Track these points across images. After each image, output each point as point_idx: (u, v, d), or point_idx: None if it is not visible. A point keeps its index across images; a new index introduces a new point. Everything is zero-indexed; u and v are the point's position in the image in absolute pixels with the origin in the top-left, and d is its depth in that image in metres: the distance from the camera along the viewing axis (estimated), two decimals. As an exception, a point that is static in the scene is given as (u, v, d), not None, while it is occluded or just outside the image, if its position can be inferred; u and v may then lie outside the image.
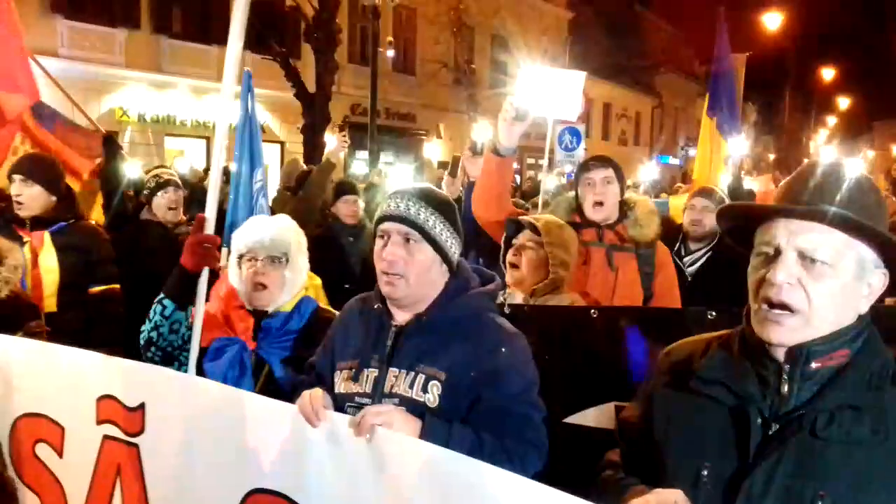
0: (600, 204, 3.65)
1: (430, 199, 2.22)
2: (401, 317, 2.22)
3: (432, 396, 2.08)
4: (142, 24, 17.89)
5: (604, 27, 38.42)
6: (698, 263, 4.64)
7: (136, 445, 2.40)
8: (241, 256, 2.74)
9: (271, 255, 2.70)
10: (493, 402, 2.07)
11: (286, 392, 2.44)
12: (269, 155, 20.74)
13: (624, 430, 1.88)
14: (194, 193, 7.00)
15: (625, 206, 3.74)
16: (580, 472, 1.86)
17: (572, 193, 3.87)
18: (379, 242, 2.21)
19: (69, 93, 5.81)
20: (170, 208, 5.08)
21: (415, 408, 2.05)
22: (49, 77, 5.40)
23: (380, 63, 18.89)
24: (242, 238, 2.76)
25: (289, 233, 2.76)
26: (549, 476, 1.78)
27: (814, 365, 1.56)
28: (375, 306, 2.26)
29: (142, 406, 2.40)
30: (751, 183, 8.45)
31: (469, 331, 2.16)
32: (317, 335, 2.58)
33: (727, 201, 4.85)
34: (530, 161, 30.03)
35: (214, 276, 2.87)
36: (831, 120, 59.47)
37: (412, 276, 2.16)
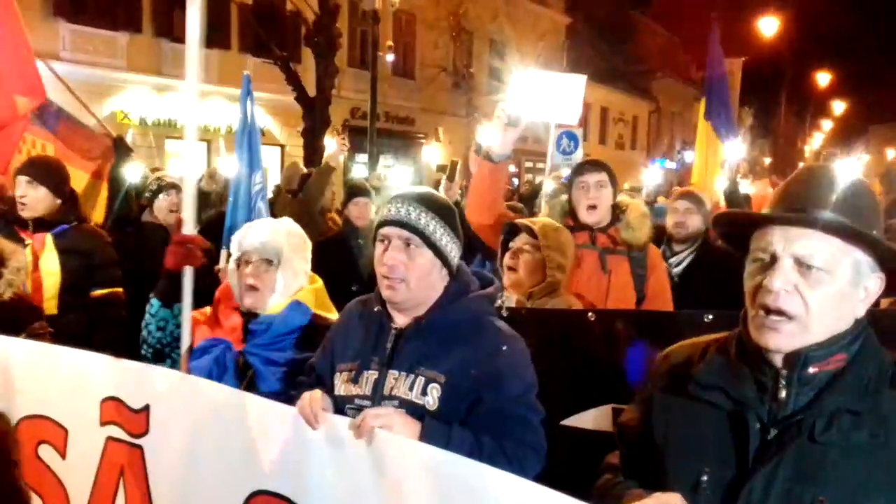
0: (594, 207, 3.69)
1: (431, 204, 2.23)
2: (401, 319, 2.23)
3: (432, 399, 2.08)
4: (143, 27, 17.93)
5: (601, 32, 38.53)
6: (683, 265, 4.67)
7: (139, 447, 2.42)
8: (238, 258, 2.77)
9: (263, 258, 2.72)
10: (492, 404, 2.08)
11: (270, 394, 2.46)
12: (270, 158, 20.79)
13: (623, 434, 1.88)
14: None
15: (617, 210, 3.78)
16: (578, 474, 1.86)
17: (566, 197, 3.90)
18: (379, 247, 2.22)
19: (70, 95, 5.85)
20: (171, 211, 5.09)
21: (414, 410, 2.06)
22: (60, 80, 5.43)
23: (379, 67, 18.95)
24: (238, 240, 2.79)
25: (282, 235, 2.77)
26: (547, 478, 1.78)
27: (811, 370, 1.56)
28: (375, 309, 2.27)
29: (146, 408, 2.41)
30: (747, 187, 8.48)
31: (468, 334, 2.17)
32: (304, 339, 2.64)
33: (708, 205, 4.92)
34: (528, 164, 30.11)
35: (213, 278, 2.95)
36: (827, 124, 59.56)
37: (413, 280, 2.17)
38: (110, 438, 2.48)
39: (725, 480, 1.58)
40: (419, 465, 1.87)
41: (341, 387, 2.23)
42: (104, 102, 16.82)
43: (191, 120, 2.85)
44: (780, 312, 1.54)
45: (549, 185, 5.56)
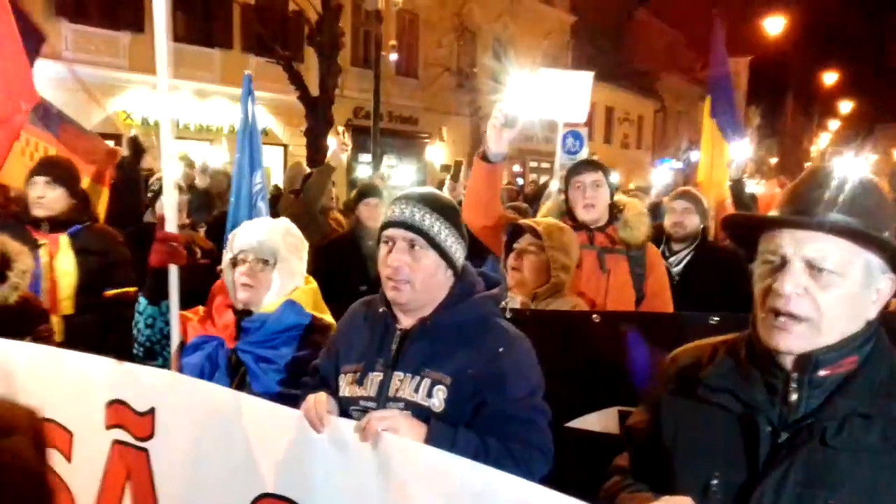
0: (591, 207, 3.70)
1: (435, 205, 2.21)
2: (406, 320, 2.22)
3: (437, 401, 2.07)
4: (146, 27, 17.89)
5: (606, 31, 38.45)
6: (682, 264, 4.69)
7: (145, 450, 2.41)
8: (234, 257, 2.77)
9: (259, 257, 2.72)
10: (498, 406, 2.06)
11: (262, 392, 2.48)
12: (273, 158, 20.80)
13: (631, 436, 1.87)
14: (199, 196, 7.02)
15: (615, 209, 3.78)
16: (583, 477, 1.85)
17: (563, 197, 3.91)
18: (384, 248, 2.21)
19: (74, 95, 5.82)
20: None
21: (420, 412, 2.05)
22: (79, 81, 5.40)
23: (382, 66, 18.91)
24: (235, 239, 2.80)
25: (279, 235, 2.78)
26: (552, 480, 1.78)
27: (822, 373, 1.55)
28: (380, 310, 2.25)
29: (151, 411, 2.41)
30: (754, 187, 8.42)
31: (474, 335, 2.15)
32: (297, 338, 2.65)
33: (706, 203, 4.96)
34: (533, 164, 30.06)
35: (216, 277, 2.95)
36: (833, 124, 59.39)
37: (418, 281, 2.16)
38: (116, 442, 2.47)
39: (735, 485, 1.57)
40: (425, 468, 1.86)
41: (346, 388, 2.22)
42: (107, 102, 16.80)
43: (165, 116, 2.88)
44: (791, 316, 1.53)
45: (555, 185, 5.53)
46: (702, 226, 4.74)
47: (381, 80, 18.00)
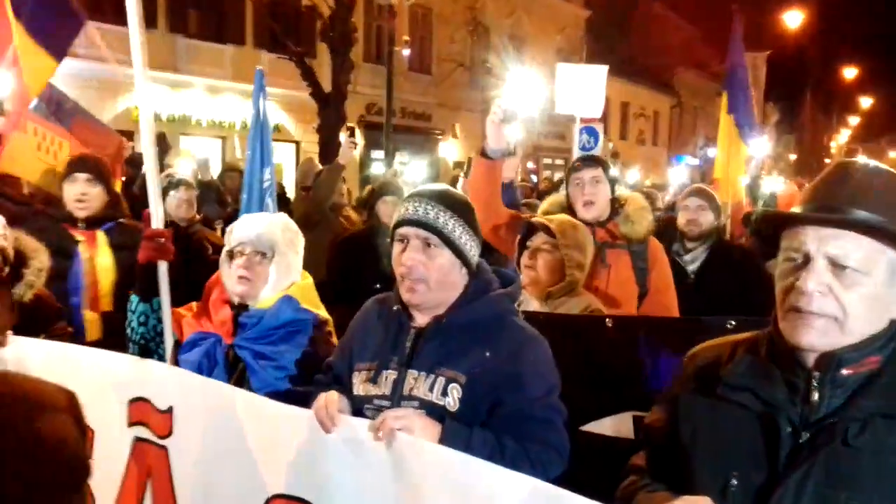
0: (590, 203, 3.67)
1: (449, 202, 2.19)
2: (420, 319, 2.20)
3: (452, 400, 2.06)
4: (158, 23, 17.94)
5: (621, 25, 38.20)
6: (698, 262, 4.67)
7: (165, 448, 2.43)
8: (231, 251, 2.77)
9: (257, 250, 2.72)
10: (514, 405, 2.05)
11: (260, 388, 2.49)
12: (285, 154, 20.80)
13: (649, 435, 1.84)
14: (207, 192, 7.02)
15: (616, 204, 3.77)
16: (597, 480, 1.82)
17: (563, 193, 3.89)
18: (398, 247, 2.19)
19: (85, 91, 5.80)
20: (181, 207, 5.10)
21: (434, 411, 2.03)
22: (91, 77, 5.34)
23: (395, 62, 18.84)
24: (233, 232, 2.81)
25: (278, 229, 2.78)
26: (566, 483, 1.76)
27: (844, 372, 1.52)
28: (394, 308, 2.24)
29: (170, 409, 2.43)
30: (772, 183, 8.34)
31: (490, 333, 2.14)
32: (295, 334, 2.64)
33: (719, 201, 4.95)
34: (547, 161, 29.91)
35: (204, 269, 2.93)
36: (853, 119, 58.82)
37: (432, 280, 2.14)
38: (138, 439, 2.50)
39: (755, 485, 1.55)
40: (439, 468, 1.85)
41: (360, 387, 2.20)
42: (118, 99, 16.84)
43: (144, 107, 2.90)
44: (812, 314, 1.51)
45: None
46: (717, 223, 4.72)
47: (393, 75, 17.92)
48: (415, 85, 24.75)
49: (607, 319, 2.97)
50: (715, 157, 9.10)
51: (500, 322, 2.18)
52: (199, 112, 19.10)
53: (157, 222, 2.81)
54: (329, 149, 16.19)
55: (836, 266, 1.50)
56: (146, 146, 2.86)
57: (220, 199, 7.27)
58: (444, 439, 1.93)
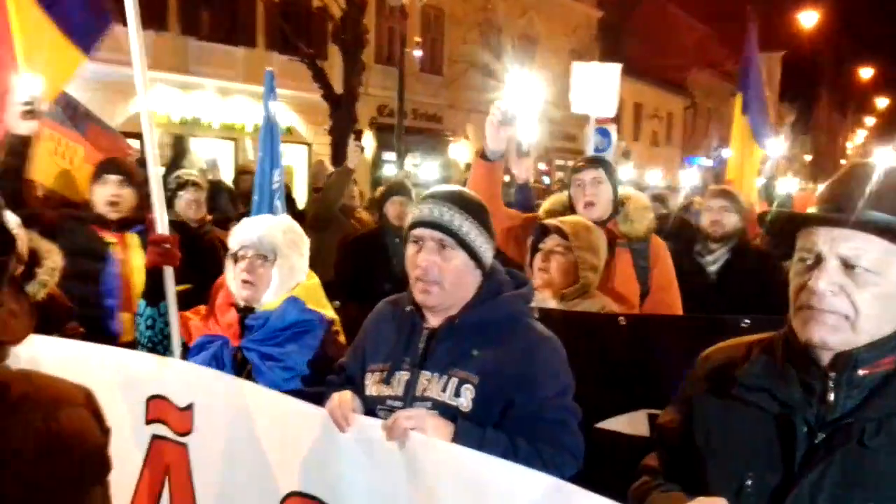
0: (591, 204, 3.67)
1: (463, 203, 2.20)
2: (433, 319, 2.20)
3: (465, 400, 2.06)
4: (170, 25, 18.01)
5: (634, 25, 38.07)
6: (720, 263, 4.64)
7: (185, 445, 2.44)
8: (234, 253, 2.79)
9: (259, 253, 2.74)
10: (527, 406, 2.05)
11: (272, 386, 2.48)
12: (297, 156, 20.83)
13: (662, 436, 1.84)
14: (218, 192, 7.05)
15: (618, 203, 3.76)
16: (609, 477, 1.82)
17: (566, 194, 3.90)
18: (412, 248, 2.20)
19: (96, 94, 5.82)
20: (191, 208, 5.09)
21: (447, 411, 2.03)
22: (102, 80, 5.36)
23: (407, 64, 18.83)
24: (236, 236, 2.83)
25: (278, 231, 2.79)
26: (579, 480, 1.76)
27: (861, 372, 1.52)
28: (407, 309, 2.24)
29: (190, 406, 2.44)
30: (787, 184, 8.27)
31: (503, 334, 2.14)
32: (300, 335, 2.65)
33: (742, 203, 4.93)
34: (559, 162, 29.82)
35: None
36: (869, 120, 58.37)
37: (447, 282, 2.15)
38: (156, 437, 2.52)
39: (770, 486, 1.55)
40: (452, 467, 1.86)
41: (372, 387, 2.21)
42: (130, 101, 16.89)
43: (144, 108, 2.90)
44: (823, 312, 1.51)
45: None
46: (740, 225, 4.71)
47: (405, 77, 17.91)
48: (426, 86, 24.75)
49: (620, 318, 2.97)
50: (728, 159, 9.07)
51: (514, 323, 2.18)
52: (211, 114, 19.16)
53: (161, 227, 2.82)
54: (340, 150, 16.19)
55: (849, 267, 1.50)
56: (149, 150, 2.85)
57: (232, 199, 7.28)
58: (457, 439, 1.93)
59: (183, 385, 2.50)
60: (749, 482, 1.56)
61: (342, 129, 16.68)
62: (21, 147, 3.61)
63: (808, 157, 39.42)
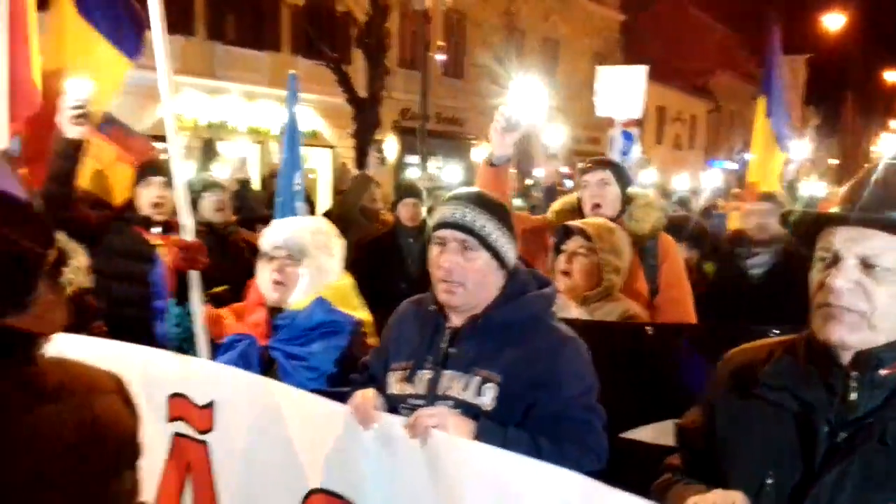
0: (598, 206, 3.67)
1: (486, 204, 2.21)
2: (456, 319, 2.21)
3: (487, 399, 2.06)
4: (196, 30, 18.21)
5: (657, 29, 37.83)
6: (763, 268, 4.60)
7: (205, 443, 2.46)
8: (265, 254, 2.83)
9: (288, 254, 2.77)
10: (550, 406, 2.04)
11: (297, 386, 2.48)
12: (320, 160, 20.93)
13: (684, 437, 1.85)
14: (241, 197, 7.12)
15: (625, 203, 3.75)
16: (636, 487, 1.79)
17: (575, 195, 3.91)
18: (435, 249, 2.21)
19: (127, 98, 5.90)
20: (216, 210, 5.13)
21: (469, 410, 2.03)
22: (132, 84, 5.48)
23: (430, 67, 18.87)
24: (267, 237, 2.86)
25: (307, 233, 2.83)
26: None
27: (882, 372, 1.52)
28: (430, 308, 2.25)
29: (211, 404, 2.46)
30: (811, 187, 8.22)
31: (525, 334, 2.14)
32: (327, 335, 2.67)
33: (787, 205, 4.87)
34: (581, 165, 29.68)
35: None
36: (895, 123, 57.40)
37: (470, 283, 2.15)
38: (178, 434, 2.53)
39: (791, 485, 1.55)
40: (474, 465, 1.86)
41: (395, 386, 2.22)
42: (158, 105, 17.06)
43: (168, 113, 2.90)
44: (842, 309, 1.52)
45: None
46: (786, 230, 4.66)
47: (428, 81, 17.96)
48: (449, 90, 24.78)
49: (647, 327, 2.94)
50: (750, 162, 9.03)
51: (537, 323, 2.18)
52: (237, 118, 19.32)
53: (188, 234, 2.86)
54: (364, 154, 16.28)
55: (867, 266, 1.51)
56: (174, 155, 2.86)
57: (258, 201, 7.37)
58: (479, 438, 1.93)
59: (202, 383, 2.52)
60: (769, 481, 1.56)
61: (366, 132, 16.80)
62: (72, 151, 3.63)
63: (834, 161, 38.87)
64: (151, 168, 4.07)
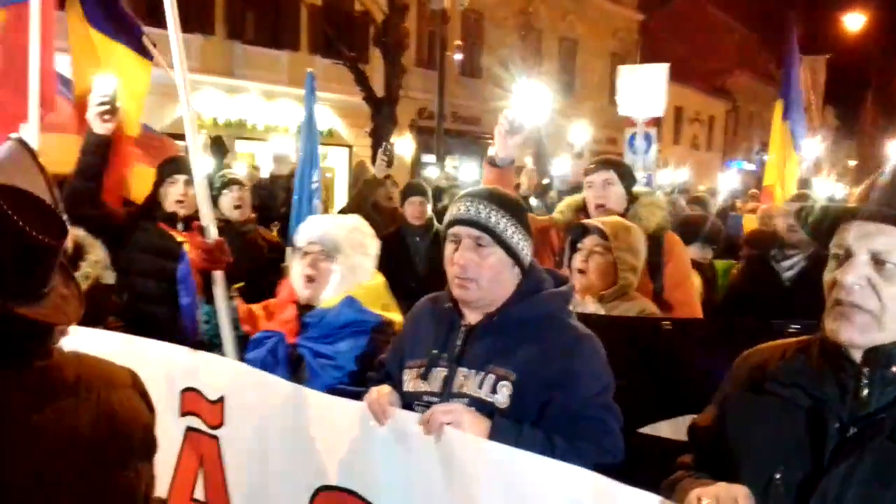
0: (601, 206, 3.67)
1: (500, 201, 2.20)
2: (471, 316, 2.21)
3: (502, 397, 2.05)
4: (216, 30, 18.34)
5: (675, 28, 37.61)
6: (795, 269, 4.55)
7: (216, 438, 2.47)
8: (300, 250, 2.84)
9: (322, 249, 2.77)
10: (565, 405, 2.03)
11: (320, 387, 2.49)
12: (338, 158, 21.00)
13: (696, 435, 1.85)
14: (259, 195, 7.19)
15: (631, 202, 3.74)
16: (648, 482, 1.80)
17: (581, 196, 3.91)
18: (450, 246, 2.21)
19: (148, 98, 5.95)
20: (235, 206, 5.16)
21: (484, 408, 2.03)
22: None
23: (447, 67, 18.89)
24: (301, 233, 2.87)
25: (342, 230, 2.82)
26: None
27: (894, 369, 1.52)
28: (446, 305, 2.26)
29: (221, 399, 2.47)
30: (829, 187, 8.16)
31: (541, 332, 2.13)
32: (355, 335, 2.66)
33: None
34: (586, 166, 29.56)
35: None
36: (917, 125, 56.62)
37: (484, 279, 2.15)
38: (190, 429, 2.55)
39: (799, 479, 1.55)
40: (488, 462, 1.86)
41: (410, 383, 2.22)
42: (178, 103, 17.23)
43: (186, 112, 2.90)
44: (853, 306, 1.53)
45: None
46: None
47: (445, 80, 17.99)
48: (466, 89, 24.77)
49: (664, 322, 2.92)
50: (767, 163, 9.00)
51: (552, 320, 2.17)
52: (255, 117, 19.43)
53: (209, 235, 2.87)
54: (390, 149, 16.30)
55: (879, 262, 1.52)
56: (194, 156, 2.86)
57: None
58: (493, 435, 1.93)
59: (214, 378, 2.53)
60: (778, 476, 1.57)
61: (383, 131, 16.84)
62: (98, 147, 3.65)
63: (853, 163, 38.45)
64: (174, 165, 4.09)
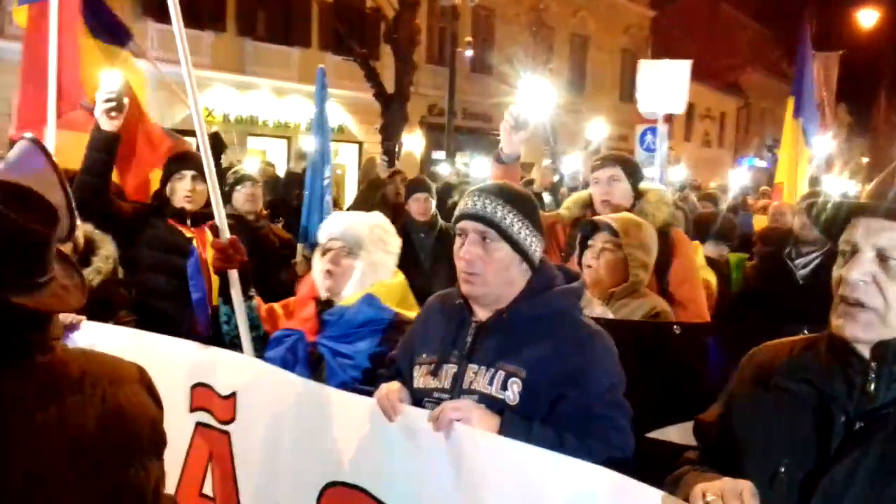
0: (607, 202, 3.65)
1: (509, 197, 2.19)
2: (482, 313, 2.20)
3: (512, 394, 2.04)
4: (227, 26, 18.40)
5: (687, 24, 37.43)
6: (810, 267, 4.53)
7: (227, 433, 2.48)
8: (322, 246, 2.83)
9: (344, 245, 2.76)
10: (576, 402, 2.02)
11: (338, 385, 2.49)
12: (348, 155, 21.05)
13: (702, 431, 1.85)
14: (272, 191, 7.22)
15: (637, 198, 3.73)
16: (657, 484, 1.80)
17: (587, 192, 3.90)
18: (458, 241, 2.21)
19: (159, 94, 6.00)
20: (247, 202, 5.19)
21: (494, 405, 2.03)
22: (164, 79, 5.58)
23: (458, 63, 18.87)
24: (323, 229, 2.87)
25: (364, 226, 2.81)
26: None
27: None
28: (456, 302, 2.25)
29: (233, 395, 2.48)
30: (841, 184, 8.13)
31: (552, 328, 2.12)
32: (374, 333, 2.65)
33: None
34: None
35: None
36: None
37: (490, 274, 2.14)
38: (199, 424, 2.55)
39: (804, 473, 1.55)
40: (498, 459, 1.86)
41: (420, 380, 2.22)
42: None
43: (193, 107, 2.88)
44: (858, 303, 1.53)
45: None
46: None
47: (455, 77, 17.98)
48: (476, 86, 24.74)
49: (675, 326, 2.89)
50: (778, 161, 8.97)
51: (563, 317, 2.15)
52: (266, 113, 19.50)
53: (222, 234, 2.84)
54: (389, 150, 16.36)
55: (883, 259, 1.52)
56: (204, 154, 2.85)
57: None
58: (503, 432, 1.92)
59: (226, 374, 2.53)
60: (783, 469, 1.57)
61: (393, 128, 16.85)
62: (105, 143, 3.67)
63: (866, 160, 38.20)
64: (182, 161, 4.11)
